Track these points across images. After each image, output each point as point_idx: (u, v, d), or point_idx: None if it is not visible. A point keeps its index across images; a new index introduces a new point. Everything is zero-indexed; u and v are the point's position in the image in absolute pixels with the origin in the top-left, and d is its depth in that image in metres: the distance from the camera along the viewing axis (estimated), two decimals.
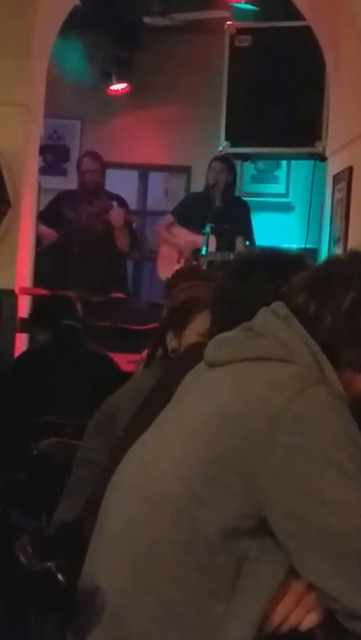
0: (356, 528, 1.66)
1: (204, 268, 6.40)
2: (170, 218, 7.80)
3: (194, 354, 1.99)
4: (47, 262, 7.07)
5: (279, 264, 2.04)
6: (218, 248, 7.03)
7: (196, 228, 7.21)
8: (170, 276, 4.17)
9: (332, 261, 1.95)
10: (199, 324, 2.89)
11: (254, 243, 7.53)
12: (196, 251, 7.03)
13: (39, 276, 6.64)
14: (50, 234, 7.49)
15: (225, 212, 7.32)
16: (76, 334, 4.46)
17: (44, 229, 7.41)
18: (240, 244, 7.27)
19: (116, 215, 7.49)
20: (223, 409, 1.75)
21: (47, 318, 4.66)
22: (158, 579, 1.74)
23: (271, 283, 1.98)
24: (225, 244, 7.09)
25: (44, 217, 7.42)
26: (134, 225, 7.93)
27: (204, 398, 1.82)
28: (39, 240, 7.09)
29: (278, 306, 1.87)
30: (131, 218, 7.75)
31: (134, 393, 2.86)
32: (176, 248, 7.51)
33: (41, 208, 7.24)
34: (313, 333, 1.80)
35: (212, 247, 6.98)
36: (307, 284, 1.87)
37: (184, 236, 7.48)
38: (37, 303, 5.78)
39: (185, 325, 2.97)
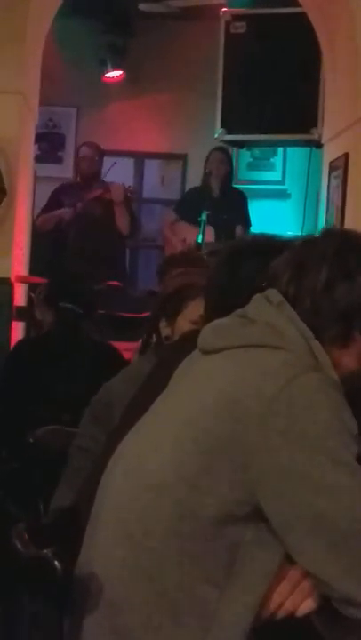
0: (349, 514, 1.66)
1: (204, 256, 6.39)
2: (172, 215, 7.83)
3: (189, 341, 1.99)
4: (44, 249, 7.06)
5: (272, 251, 2.04)
6: (217, 238, 7.03)
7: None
8: (161, 262, 4.15)
9: (306, 241, 1.95)
10: (192, 310, 2.90)
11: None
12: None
13: (36, 264, 6.63)
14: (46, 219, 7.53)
15: (223, 202, 7.33)
16: (75, 318, 4.41)
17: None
18: (240, 233, 7.27)
19: (117, 190, 7.54)
20: (217, 397, 1.75)
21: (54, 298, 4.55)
22: (154, 566, 1.74)
23: (263, 269, 1.98)
24: (225, 233, 7.09)
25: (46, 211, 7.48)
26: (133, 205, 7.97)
27: (199, 386, 1.82)
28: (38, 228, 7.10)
29: (272, 292, 1.87)
30: (130, 192, 7.79)
31: (129, 380, 2.86)
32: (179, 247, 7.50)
33: (36, 196, 7.22)
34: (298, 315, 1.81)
35: (209, 235, 6.98)
36: (285, 268, 1.88)
37: (186, 234, 7.48)
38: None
39: (177, 313, 2.97)
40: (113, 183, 7.66)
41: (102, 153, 7.88)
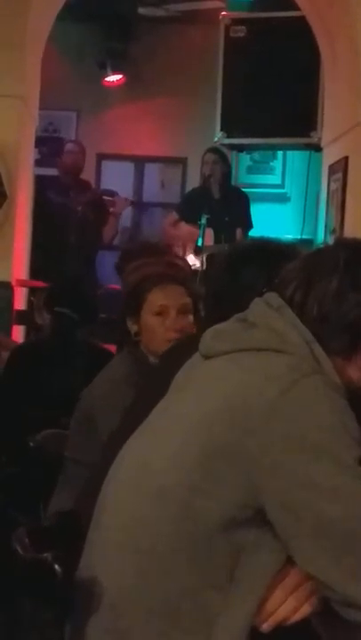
0: (352, 516, 1.66)
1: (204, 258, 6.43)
2: (174, 215, 7.81)
3: (188, 345, 1.99)
4: (41, 251, 7.06)
5: (271, 255, 2.05)
6: (216, 241, 7.02)
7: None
8: (117, 259, 4.10)
9: (319, 250, 1.95)
10: (152, 302, 2.91)
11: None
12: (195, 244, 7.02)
13: (34, 265, 6.64)
14: None
15: (224, 203, 7.32)
16: (71, 323, 4.41)
17: None
18: (240, 236, 7.26)
19: (121, 204, 7.60)
20: (221, 401, 1.75)
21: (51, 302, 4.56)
22: (156, 571, 1.74)
23: (264, 274, 1.98)
24: (225, 236, 7.08)
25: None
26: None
27: (201, 390, 1.83)
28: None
29: (271, 296, 1.87)
30: (132, 204, 7.88)
31: (107, 382, 2.88)
32: (180, 243, 7.49)
33: None
34: (302, 322, 1.81)
35: (210, 239, 6.97)
36: (295, 275, 1.88)
37: (188, 232, 7.47)
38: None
39: (140, 307, 2.96)
40: (119, 197, 7.69)
41: (84, 150, 7.85)
